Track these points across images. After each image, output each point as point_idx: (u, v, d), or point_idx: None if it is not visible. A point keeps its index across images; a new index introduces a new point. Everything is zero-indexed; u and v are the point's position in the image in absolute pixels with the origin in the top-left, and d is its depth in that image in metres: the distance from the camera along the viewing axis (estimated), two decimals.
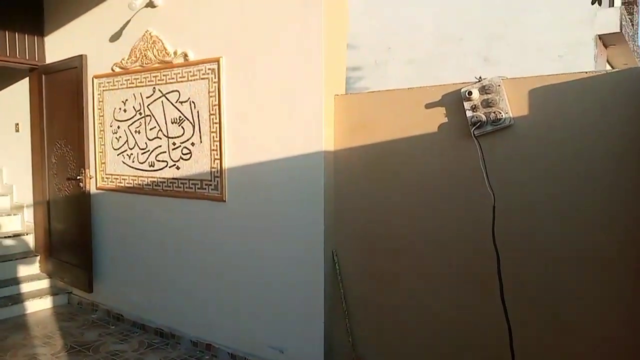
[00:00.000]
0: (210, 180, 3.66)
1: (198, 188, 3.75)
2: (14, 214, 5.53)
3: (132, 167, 4.21)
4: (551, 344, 2.46)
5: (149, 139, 4.06)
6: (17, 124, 5.52)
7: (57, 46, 4.89)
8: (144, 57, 4.02)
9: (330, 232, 3.14)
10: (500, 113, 2.52)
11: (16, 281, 4.90)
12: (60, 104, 4.78)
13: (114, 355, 3.74)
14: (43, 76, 4.95)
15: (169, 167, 3.93)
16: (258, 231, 3.43)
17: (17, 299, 4.68)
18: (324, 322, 3.13)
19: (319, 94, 3.06)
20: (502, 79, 2.55)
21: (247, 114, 3.43)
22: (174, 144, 3.88)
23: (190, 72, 3.71)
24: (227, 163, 3.56)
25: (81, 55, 4.51)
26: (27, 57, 4.91)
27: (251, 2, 3.37)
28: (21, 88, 5.37)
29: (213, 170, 3.63)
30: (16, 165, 5.61)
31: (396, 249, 2.94)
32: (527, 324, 2.51)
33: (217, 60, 3.53)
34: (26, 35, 4.89)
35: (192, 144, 3.75)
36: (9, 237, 5.25)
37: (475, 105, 2.59)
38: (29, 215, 5.41)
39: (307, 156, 3.13)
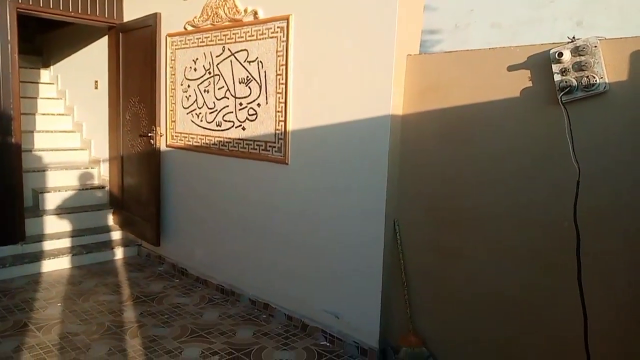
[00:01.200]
0: (274, 142, 3.62)
1: (262, 150, 3.72)
2: (92, 168, 5.83)
3: (200, 127, 4.26)
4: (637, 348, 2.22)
5: (217, 99, 4.07)
6: (96, 82, 5.76)
7: (134, 4, 5.00)
8: (215, 15, 4.00)
9: (393, 200, 3.01)
10: (594, 77, 2.24)
11: (91, 231, 5.19)
12: (136, 62, 4.90)
13: (176, 308, 3.87)
14: (120, 34, 5.09)
15: (235, 127, 3.93)
16: (318, 195, 3.36)
17: (92, 248, 4.96)
18: (381, 291, 3.03)
19: (390, 53, 2.89)
20: (600, 40, 2.26)
21: (314, 74, 3.32)
22: (240, 104, 3.87)
23: (260, 30, 3.64)
24: (292, 125, 3.50)
25: (156, 14, 4.56)
26: (106, 16, 5.06)
27: None
28: (101, 46, 5.57)
29: (277, 132, 3.58)
30: (95, 121, 5.88)
31: (463, 222, 2.76)
32: (607, 317, 2.28)
33: (287, 19, 3.43)
34: None
35: (258, 104, 3.71)
36: (87, 189, 5.55)
37: (565, 68, 2.32)
38: (104, 169, 5.68)
39: (373, 119, 2.99)
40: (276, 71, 3.55)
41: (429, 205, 2.91)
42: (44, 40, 7.18)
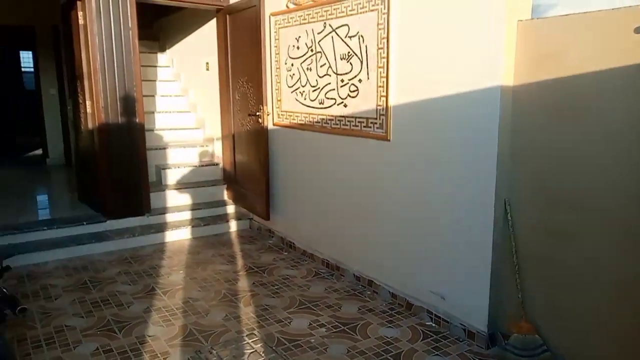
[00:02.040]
0: (376, 119, 3.57)
1: (364, 126, 3.69)
2: (206, 146, 6.22)
3: (304, 105, 4.33)
4: None
5: (319, 76, 4.10)
6: (207, 63, 6.08)
7: None
8: None
9: (504, 178, 2.83)
10: None
11: (207, 205, 5.58)
12: (242, 42, 5.08)
13: (285, 279, 4.05)
14: (227, 16, 5.28)
15: (337, 104, 3.94)
16: (423, 172, 3.27)
17: (209, 221, 5.34)
18: (490, 273, 2.91)
19: (499, 20, 2.67)
20: None
21: (416, 47, 3.19)
22: (342, 80, 3.85)
23: (360, 4, 3.56)
24: (393, 100, 3.42)
25: None
26: None
27: None
28: (210, 28, 5.84)
29: (379, 107, 3.53)
30: (208, 101, 6.24)
31: (581, 204, 2.52)
32: None
33: None
34: None
35: (360, 80, 3.67)
36: (202, 166, 5.95)
37: None
38: (218, 147, 6.04)
39: (481, 91, 2.81)
40: (377, 45, 3.47)
41: (543, 185, 2.70)
42: (160, 26, 7.71)
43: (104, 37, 4.71)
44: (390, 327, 3.26)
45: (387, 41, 3.36)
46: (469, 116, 2.91)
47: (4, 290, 2.86)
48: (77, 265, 4.35)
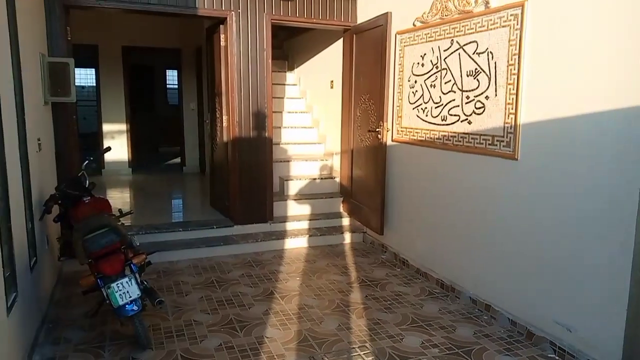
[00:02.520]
0: (503, 136, 3.44)
1: (489, 144, 3.58)
2: (326, 160, 6.44)
3: (425, 121, 4.32)
4: None
5: (443, 93, 4.07)
6: (332, 81, 6.33)
7: (367, 6, 5.30)
8: (445, 9, 3.98)
9: None
10: None
11: (324, 216, 5.76)
12: (367, 61, 5.22)
13: (397, 295, 4.03)
14: (354, 36, 5.47)
15: (461, 121, 3.87)
16: (554, 197, 3.07)
17: (324, 231, 5.51)
18: (627, 308, 2.63)
19: None
20: None
21: (553, 62, 3.04)
22: (467, 97, 3.79)
23: (491, 20, 3.49)
24: (523, 118, 3.28)
25: (386, 13, 4.77)
26: (342, 19, 5.49)
27: None
28: (336, 48, 6.08)
29: (506, 125, 3.40)
30: (330, 118, 6.48)
31: None
32: None
33: (521, 5, 3.21)
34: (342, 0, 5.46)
35: (486, 97, 3.58)
36: (322, 179, 6.16)
37: None
38: (337, 161, 6.22)
39: (634, 109, 2.58)
40: (507, 61, 3.36)
41: None
42: (289, 46, 8.19)
43: (241, 57, 5.14)
44: (508, 355, 3.09)
45: (519, 57, 3.25)
46: (616, 136, 2.67)
47: (145, 283, 3.21)
48: (206, 265, 4.74)
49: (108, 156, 8.71)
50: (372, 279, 4.41)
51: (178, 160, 10.08)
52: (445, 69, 4.03)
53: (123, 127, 8.81)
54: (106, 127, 8.74)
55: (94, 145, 8.87)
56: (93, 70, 9.22)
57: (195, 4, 4.87)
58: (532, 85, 3.20)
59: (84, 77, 12.96)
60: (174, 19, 5.82)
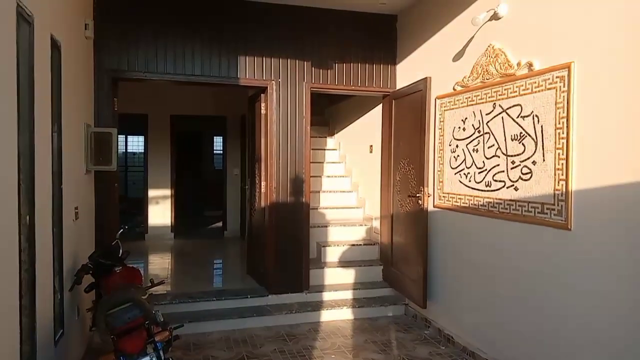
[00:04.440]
0: (553, 204, 3.18)
1: (538, 212, 3.32)
2: (365, 225, 6.25)
3: (468, 187, 4.11)
4: None
5: (486, 158, 3.88)
6: (371, 146, 6.25)
7: (406, 72, 5.29)
8: (485, 73, 3.87)
9: None
10: None
11: (363, 285, 5.49)
12: (406, 125, 5.13)
13: None
14: (393, 101, 5.43)
15: (507, 187, 3.64)
16: (612, 269, 2.75)
17: (363, 303, 5.21)
18: None
19: None
20: None
21: (606, 125, 2.82)
22: (512, 162, 3.58)
23: (535, 82, 3.34)
24: (575, 185, 3.03)
25: (426, 78, 4.72)
26: (381, 86, 5.48)
27: None
28: (376, 113, 6.05)
29: (557, 192, 3.15)
30: (369, 182, 6.35)
31: None
32: None
33: (568, 67, 3.05)
34: (382, 66, 5.47)
35: (533, 162, 3.36)
36: (360, 245, 5.94)
37: None
38: (376, 226, 6.01)
39: None
40: (555, 125, 3.17)
41: None
42: (330, 112, 8.27)
43: (281, 125, 5.18)
44: None
45: (568, 121, 3.05)
46: None
47: None
48: (238, 338, 4.53)
49: (152, 220, 8.87)
50: (413, 358, 4.06)
51: (220, 224, 10.13)
52: (488, 133, 3.86)
53: (167, 192, 8.99)
54: (151, 193, 8.95)
55: (140, 209, 9.07)
56: (143, 138, 9.60)
57: (237, 75, 5.00)
58: (584, 150, 2.97)
59: (137, 143, 13.57)
60: (220, 88, 5.99)
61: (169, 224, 9.02)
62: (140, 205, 9.14)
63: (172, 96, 8.68)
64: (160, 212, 8.88)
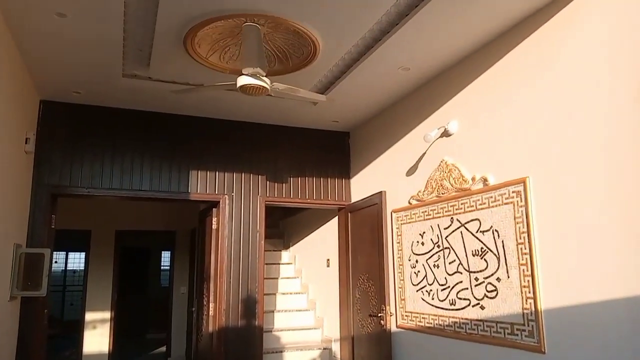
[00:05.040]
0: (523, 324, 3.00)
1: (508, 333, 3.12)
2: (324, 348, 5.79)
3: (432, 305, 3.89)
4: None
5: (448, 274, 3.73)
6: (328, 260, 6.02)
7: (360, 186, 5.28)
8: (440, 187, 3.87)
9: None
10: None
11: None
12: (363, 239, 4.99)
13: None
14: (349, 214, 5.34)
15: (472, 306, 3.46)
16: None
17: None
18: None
19: None
20: None
21: (566, 242, 2.77)
22: (476, 279, 3.44)
23: (491, 197, 3.33)
24: (544, 303, 2.88)
25: (381, 192, 4.69)
26: (337, 199, 5.43)
27: (562, 114, 2.88)
28: (332, 226, 5.92)
29: (526, 311, 2.99)
30: (327, 299, 6.01)
31: None
32: None
33: (523, 182, 3.06)
34: (336, 180, 5.46)
35: (498, 279, 3.23)
36: None
37: None
38: (336, 349, 5.58)
39: None
40: (516, 240, 3.10)
41: None
42: (285, 224, 8.10)
43: (233, 240, 4.93)
44: None
45: (529, 236, 2.99)
46: None
47: None
48: None
49: (87, 348, 7.98)
50: None
51: (164, 349, 9.24)
52: (448, 248, 3.75)
53: (107, 314, 8.20)
54: (89, 316, 8.14)
55: (76, 334, 8.19)
56: (84, 255, 8.97)
57: (188, 189, 4.82)
58: (549, 266, 2.88)
59: (79, 260, 12.74)
60: (170, 203, 5.77)
61: (107, 351, 8.12)
62: (77, 329, 8.26)
63: (118, 211, 8.29)
64: (97, 338, 8.02)
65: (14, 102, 3.55)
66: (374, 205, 4.79)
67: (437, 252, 3.89)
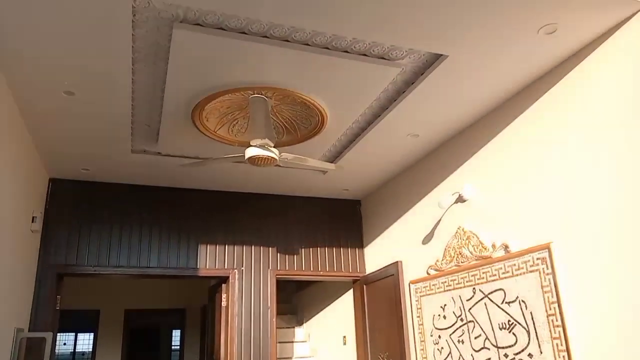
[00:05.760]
0: None
1: None
2: None
3: None
4: None
5: (474, 350, 3.45)
6: (345, 337, 5.70)
7: (375, 256, 5.09)
8: (459, 255, 3.68)
9: None
10: None
11: None
12: (381, 314, 4.73)
13: None
14: (364, 286, 5.11)
15: None
16: None
17: None
18: None
19: None
20: None
21: (603, 310, 2.54)
22: (505, 355, 3.16)
23: (515, 265, 3.13)
24: None
25: (396, 262, 4.50)
26: (350, 270, 5.22)
27: (585, 171, 2.75)
28: (347, 299, 5.66)
29: None
30: None
31: None
32: None
33: (547, 247, 2.88)
34: (349, 250, 5.28)
35: (529, 355, 2.96)
36: None
37: None
38: None
39: None
40: (546, 311, 2.86)
41: None
42: (299, 299, 7.80)
43: (243, 318, 4.70)
44: None
45: (559, 306, 2.76)
46: None
47: None
48: None
49: None
50: None
51: None
52: (472, 321, 3.50)
53: None
54: None
55: None
56: (92, 335, 8.68)
57: (197, 264, 4.67)
58: (585, 340, 2.62)
59: (88, 342, 12.34)
60: (179, 279, 5.61)
61: None
62: None
63: (127, 288, 8.12)
64: None
65: (23, 182, 3.54)
66: (390, 277, 4.58)
67: (460, 326, 3.63)
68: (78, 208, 4.43)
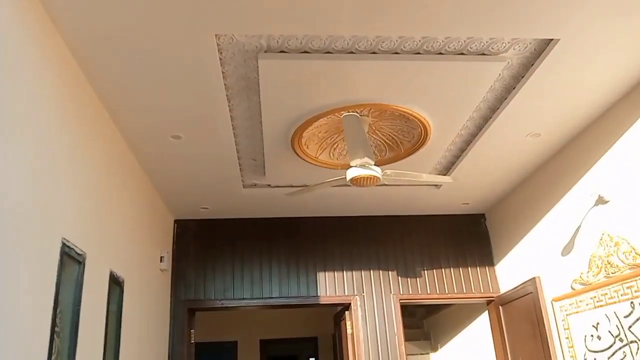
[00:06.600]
0: None
1: None
2: None
3: None
4: None
5: None
6: None
7: (508, 273, 4.61)
8: (608, 265, 3.15)
9: None
10: None
11: None
12: (522, 336, 4.23)
13: None
14: (500, 307, 4.64)
15: None
16: None
17: None
18: None
19: None
20: None
21: None
22: None
23: None
24: None
25: (533, 278, 4.02)
26: (482, 290, 4.78)
27: None
28: (483, 321, 5.19)
29: None
30: None
31: None
32: None
33: None
34: (477, 268, 4.85)
35: None
36: None
37: None
38: None
39: None
40: None
41: None
42: (430, 323, 7.39)
43: (370, 345, 4.51)
44: None
45: None
46: None
47: None
48: None
49: None
50: None
51: None
52: (635, 341, 2.94)
53: None
54: None
55: None
56: None
57: (317, 292, 4.62)
58: None
59: None
60: (302, 308, 5.63)
61: None
62: None
63: (261, 319, 8.37)
64: None
65: (152, 225, 3.83)
66: (529, 295, 4.09)
67: (620, 348, 3.07)
68: (201, 245, 4.65)
